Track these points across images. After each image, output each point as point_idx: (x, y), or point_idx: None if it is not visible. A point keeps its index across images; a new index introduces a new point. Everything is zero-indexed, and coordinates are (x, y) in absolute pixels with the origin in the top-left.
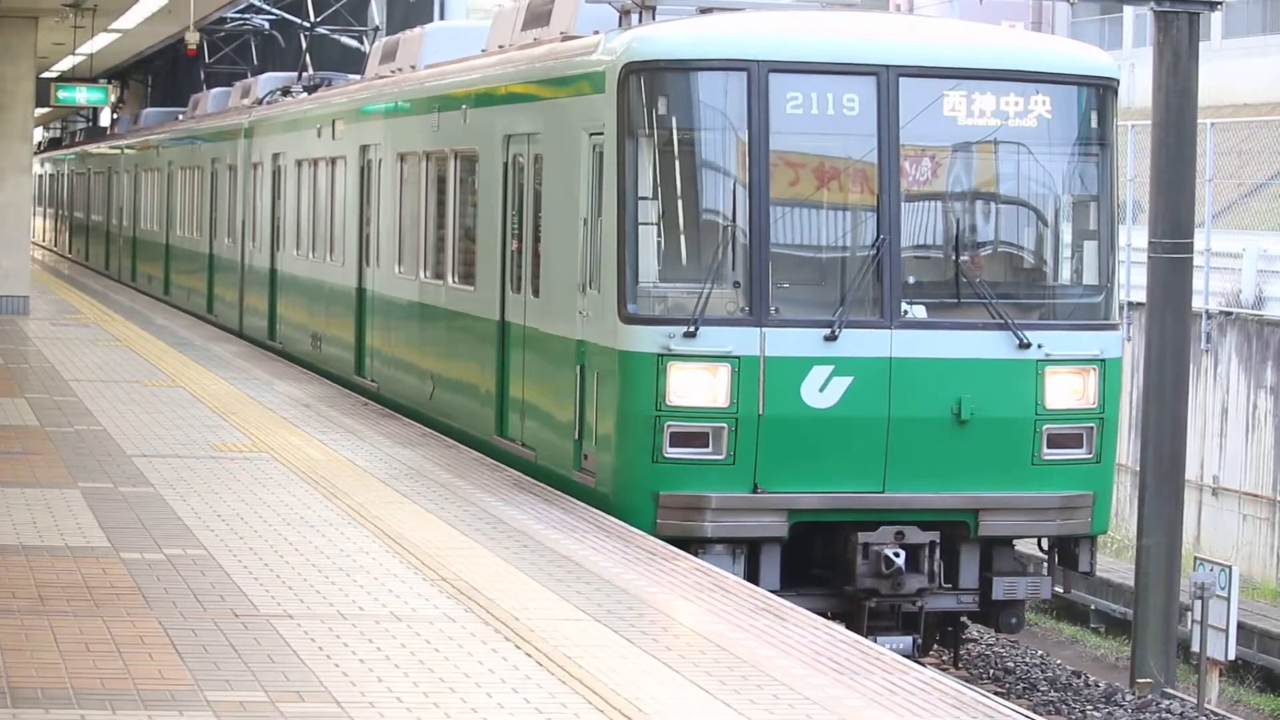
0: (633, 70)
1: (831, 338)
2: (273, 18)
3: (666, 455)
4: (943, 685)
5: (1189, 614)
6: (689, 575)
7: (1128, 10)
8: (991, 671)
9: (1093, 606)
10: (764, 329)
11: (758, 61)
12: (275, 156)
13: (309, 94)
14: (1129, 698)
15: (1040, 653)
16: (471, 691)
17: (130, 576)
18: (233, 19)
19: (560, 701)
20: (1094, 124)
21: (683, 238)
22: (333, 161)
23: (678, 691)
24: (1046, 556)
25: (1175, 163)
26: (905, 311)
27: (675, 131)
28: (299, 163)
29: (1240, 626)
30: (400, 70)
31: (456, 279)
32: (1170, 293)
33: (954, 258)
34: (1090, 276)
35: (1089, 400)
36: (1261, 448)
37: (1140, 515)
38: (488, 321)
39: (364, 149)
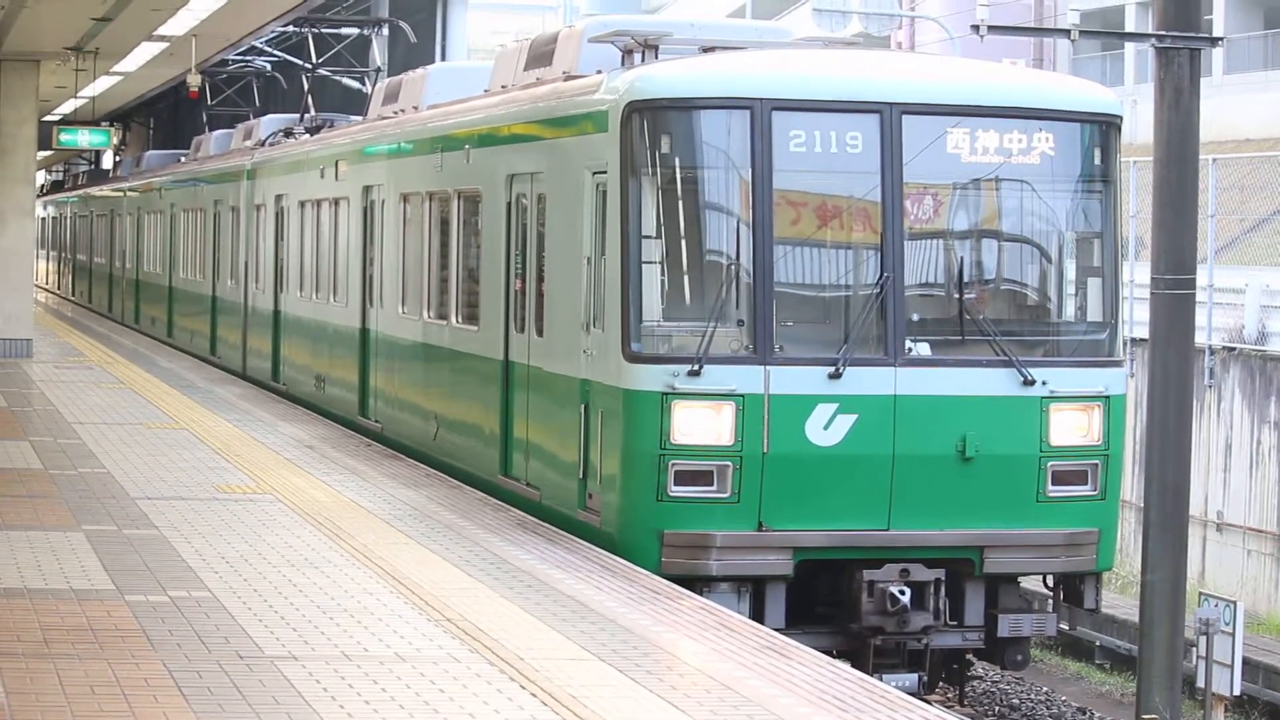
0: (636, 109)
1: (836, 375)
2: (274, 59)
3: (671, 494)
4: None
5: (1194, 650)
6: (693, 614)
7: (1129, 47)
8: (997, 709)
9: (1097, 643)
10: (768, 367)
11: (760, 100)
12: (278, 198)
13: (311, 135)
14: None
15: (1045, 689)
16: None
17: (135, 619)
18: (234, 61)
19: None
20: (1097, 160)
21: (686, 276)
22: (336, 202)
23: None
24: (1051, 593)
25: (1177, 199)
26: (909, 349)
27: (678, 170)
28: (302, 204)
29: (1245, 662)
30: (403, 111)
31: (460, 319)
32: (1173, 329)
33: (958, 295)
34: (1094, 313)
35: (1094, 437)
36: (1266, 483)
37: (1144, 551)
38: (492, 361)
39: (367, 190)
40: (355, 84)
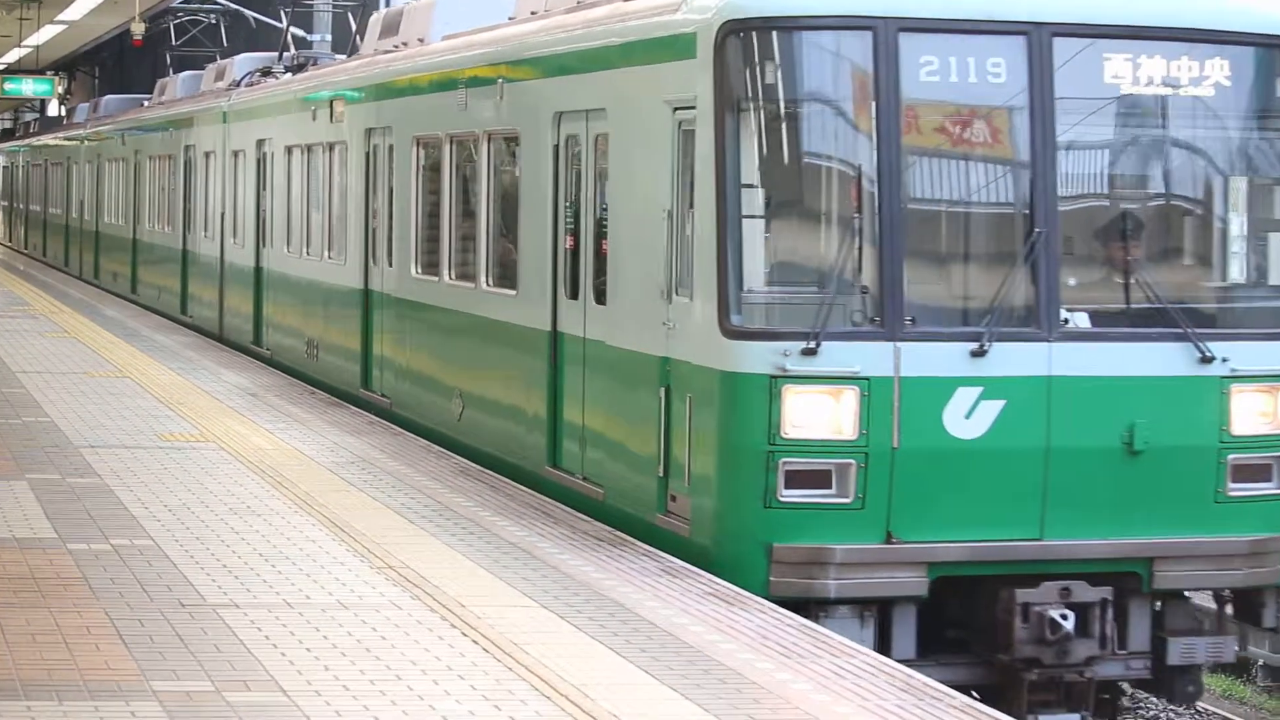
0: (733, 30)
1: (979, 353)
2: (218, 8)
3: (781, 499)
4: (891, 669)
5: None
6: (636, 560)
7: None
8: None
9: None
10: (898, 344)
11: (885, 18)
12: (260, 143)
13: (294, 74)
14: None
15: None
16: (418, 679)
17: (77, 568)
18: (181, 8)
19: (507, 688)
20: (1279, 92)
21: (797, 233)
22: (331, 147)
23: (624, 677)
24: (1218, 609)
25: None
26: (1065, 320)
27: (785, 104)
28: (289, 149)
29: None
30: (406, 45)
31: (492, 281)
32: None
33: (1123, 255)
34: (1278, 275)
35: None
36: None
37: None
38: (536, 332)
39: (369, 132)
40: (299, 31)
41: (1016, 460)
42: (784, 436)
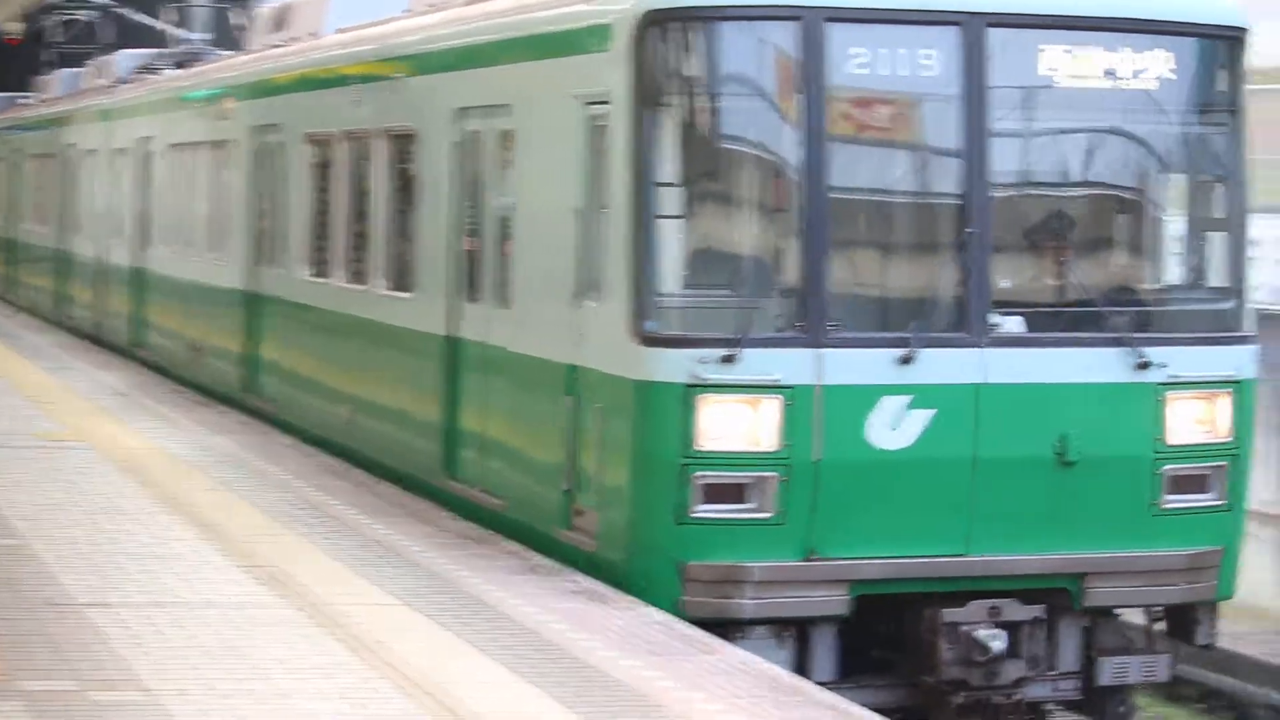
0: (655, 20)
1: (907, 360)
2: (97, 5)
3: (695, 514)
4: (759, 667)
5: None
6: (500, 559)
7: None
8: None
9: None
10: (821, 350)
11: (812, 8)
12: (144, 141)
13: (180, 70)
14: None
15: None
16: (283, 678)
17: None
18: (59, 6)
19: (371, 686)
20: (1222, 85)
21: (716, 234)
22: (218, 145)
23: (487, 675)
24: (1147, 626)
25: None
26: (996, 325)
27: (707, 99)
28: (174, 147)
29: None
30: (297, 39)
31: (385, 284)
32: None
33: (1056, 255)
34: (1218, 277)
35: (1220, 433)
36: None
37: None
38: (431, 337)
39: (258, 130)
40: (166, 25)
41: (943, 472)
42: (699, 449)
